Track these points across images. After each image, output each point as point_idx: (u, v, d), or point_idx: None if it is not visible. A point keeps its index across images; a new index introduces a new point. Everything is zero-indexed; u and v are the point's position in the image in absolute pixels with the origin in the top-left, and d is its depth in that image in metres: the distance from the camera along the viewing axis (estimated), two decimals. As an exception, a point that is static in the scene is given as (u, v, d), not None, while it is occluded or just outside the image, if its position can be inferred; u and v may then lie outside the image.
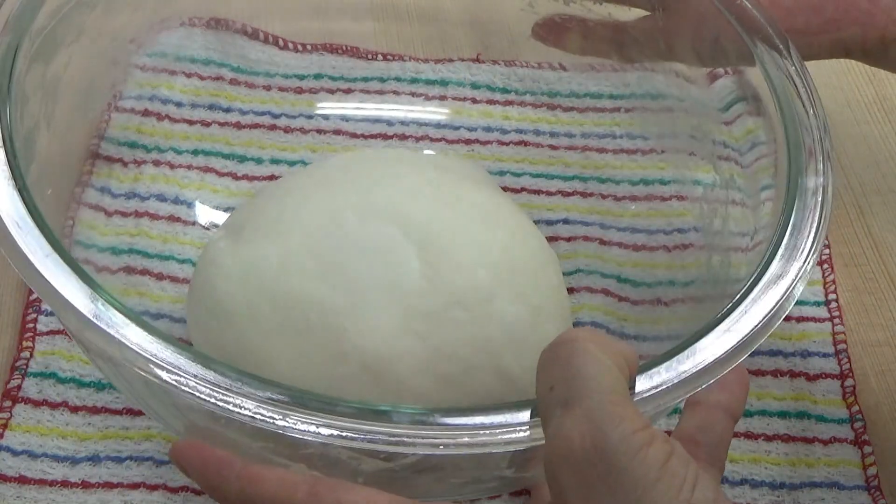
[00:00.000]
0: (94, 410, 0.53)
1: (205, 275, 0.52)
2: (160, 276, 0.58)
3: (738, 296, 0.44)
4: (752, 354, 0.57)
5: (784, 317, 0.44)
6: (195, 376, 0.39)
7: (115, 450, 0.52)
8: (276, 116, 0.66)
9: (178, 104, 0.65)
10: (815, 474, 0.55)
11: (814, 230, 0.47)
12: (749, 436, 0.56)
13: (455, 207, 0.53)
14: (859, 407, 0.58)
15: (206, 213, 0.61)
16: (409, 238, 0.51)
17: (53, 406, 0.53)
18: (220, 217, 0.61)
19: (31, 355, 0.54)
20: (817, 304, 0.62)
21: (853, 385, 0.59)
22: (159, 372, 0.39)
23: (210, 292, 0.51)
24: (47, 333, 0.55)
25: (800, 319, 0.61)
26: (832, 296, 0.62)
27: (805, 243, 0.46)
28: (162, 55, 0.66)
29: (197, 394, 0.39)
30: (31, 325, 0.56)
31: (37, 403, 0.53)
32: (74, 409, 0.53)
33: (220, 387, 0.39)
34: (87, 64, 0.56)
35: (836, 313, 0.62)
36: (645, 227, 0.62)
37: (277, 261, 0.50)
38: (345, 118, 0.67)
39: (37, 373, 0.54)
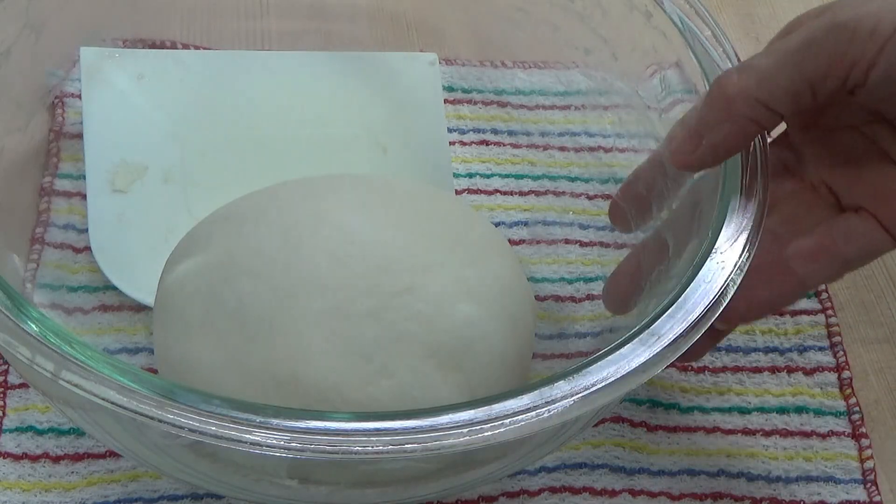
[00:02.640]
0: (77, 457, 0.57)
1: (158, 297, 0.56)
2: (139, 308, 0.62)
3: (669, 298, 0.48)
4: (748, 352, 0.64)
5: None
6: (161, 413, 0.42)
7: (102, 495, 0.56)
8: None
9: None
10: (811, 468, 0.60)
11: (749, 227, 0.51)
12: (746, 432, 0.61)
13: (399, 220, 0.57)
14: (857, 399, 0.63)
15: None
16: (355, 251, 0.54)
17: (34, 459, 0.56)
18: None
19: (4, 413, 0.58)
20: (808, 295, 0.67)
21: (850, 377, 0.63)
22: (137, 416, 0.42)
23: (162, 312, 0.55)
24: (19, 387, 0.59)
25: (793, 314, 0.66)
26: (822, 286, 0.67)
27: (738, 241, 0.50)
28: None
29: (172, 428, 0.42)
30: (1, 379, 0.59)
31: (17, 458, 0.56)
32: (56, 459, 0.56)
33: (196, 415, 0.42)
34: (16, 103, 0.61)
35: (829, 304, 0.67)
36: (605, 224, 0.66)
37: (225, 269, 0.53)
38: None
39: (13, 428, 0.57)
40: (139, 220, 0.64)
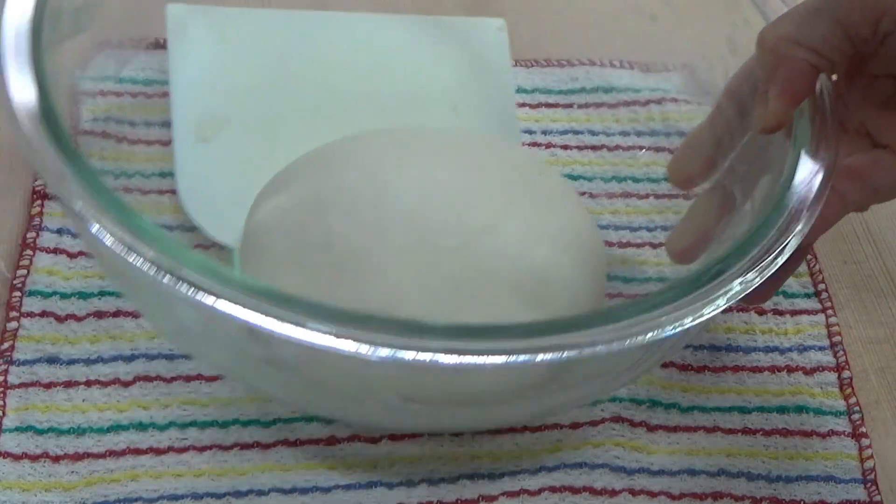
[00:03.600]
0: (77, 457, 0.57)
1: (246, 234, 0.59)
2: (136, 314, 0.62)
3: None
4: (748, 352, 0.65)
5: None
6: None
7: (102, 495, 0.56)
8: None
9: (132, 124, 0.69)
10: (811, 468, 0.61)
11: (823, 173, 0.52)
12: (747, 431, 0.62)
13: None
14: (857, 399, 0.63)
15: (188, 237, 0.64)
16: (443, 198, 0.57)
17: (34, 459, 0.57)
18: (203, 239, 0.64)
19: (4, 413, 0.58)
20: (807, 295, 0.68)
21: (850, 377, 0.64)
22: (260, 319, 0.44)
23: (249, 249, 0.58)
24: (19, 387, 0.59)
25: (793, 313, 0.67)
26: (822, 286, 0.68)
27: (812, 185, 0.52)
28: (102, 80, 0.70)
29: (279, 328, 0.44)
30: (1, 379, 0.59)
31: (17, 458, 0.56)
32: (56, 459, 0.57)
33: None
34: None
35: (829, 303, 0.67)
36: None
37: (314, 207, 0.57)
38: None
39: (13, 428, 0.57)
40: (224, 168, 0.67)
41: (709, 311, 0.47)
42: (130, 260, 0.44)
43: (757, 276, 0.48)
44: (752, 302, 0.58)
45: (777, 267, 0.49)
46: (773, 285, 0.52)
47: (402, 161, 0.59)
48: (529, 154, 0.70)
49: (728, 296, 0.47)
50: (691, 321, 0.46)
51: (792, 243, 0.49)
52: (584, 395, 0.58)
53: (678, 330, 0.46)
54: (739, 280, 0.48)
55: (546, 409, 0.58)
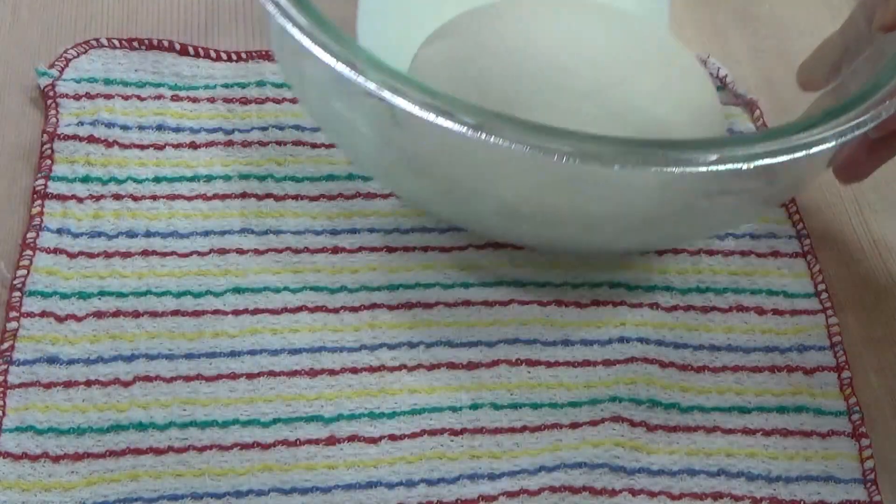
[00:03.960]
0: (77, 457, 0.57)
1: (411, 68, 0.66)
2: (136, 314, 0.62)
3: None
4: (748, 352, 0.65)
5: None
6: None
7: (102, 495, 0.56)
8: (228, 132, 0.70)
9: (124, 127, 0.69)
10: (811, 468, 0.61)
11: None
12: (747, 431, 0.62)
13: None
14: (857, 399, 0.63)
15: (182, 242, 0.65)
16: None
17: (34, 459, 0.57)
18: (198, 242, 0.65)
19: (4, 413, 0.58)
20: (807, 295, 0.68)
21: (850, 377, 0.64)
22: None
23: None
24: (19, 386, 0.59)
25: (793, 313, 0.67)
26: (821, 286, 0.68)
27: None
28: (90, 81, 0.71)
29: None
30: (1, 379, 0.59)
31: (17, 458, 0.57)
32: (56, 459, 0.57)
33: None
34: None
35: (828, 304, 0.67)
36: None
37: (471, 49, 0.64)
38: (299, 127, 0.71)
39: (13, 428, 0.58)
40: (400, 17, 0.72)
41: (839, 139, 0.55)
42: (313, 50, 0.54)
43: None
44: (849, 175, 0.65)
45: (864, 129, 0.55)
46: (868, 159, 0.62)
47: (550, 16, 0.65)
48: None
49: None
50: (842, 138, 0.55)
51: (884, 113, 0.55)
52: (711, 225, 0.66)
53: (841, 140, 0.55)
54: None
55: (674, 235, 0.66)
